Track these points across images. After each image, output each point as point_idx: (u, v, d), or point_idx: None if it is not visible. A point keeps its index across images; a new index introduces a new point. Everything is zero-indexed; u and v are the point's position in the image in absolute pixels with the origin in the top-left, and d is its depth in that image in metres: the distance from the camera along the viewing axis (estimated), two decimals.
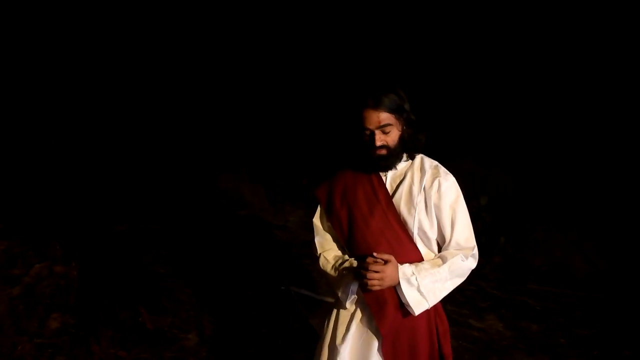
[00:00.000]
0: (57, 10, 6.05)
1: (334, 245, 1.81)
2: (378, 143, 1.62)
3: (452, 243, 1.67)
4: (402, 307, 1.62)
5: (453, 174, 1.75)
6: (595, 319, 4.03)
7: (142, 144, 5.92)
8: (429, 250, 1.70)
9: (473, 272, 5.04)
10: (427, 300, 1.59)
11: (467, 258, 1.66)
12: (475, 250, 1.69)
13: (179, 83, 6.62)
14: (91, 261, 3.54)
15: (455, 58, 6.59)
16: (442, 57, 6.72)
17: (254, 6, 6.95)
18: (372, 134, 1.63)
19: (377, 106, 1.61)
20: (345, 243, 1.74)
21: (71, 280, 3.16)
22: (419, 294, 1.59)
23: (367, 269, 1.55)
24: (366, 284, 1.55)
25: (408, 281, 1.58)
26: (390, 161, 1.68)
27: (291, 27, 6.86)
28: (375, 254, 1.57)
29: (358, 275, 1.61)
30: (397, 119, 1.64)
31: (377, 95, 1.62)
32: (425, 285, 1.58)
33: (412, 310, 1.59)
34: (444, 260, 1.64)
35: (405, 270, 1.58)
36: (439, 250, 1.73)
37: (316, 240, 1.83)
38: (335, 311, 1.78)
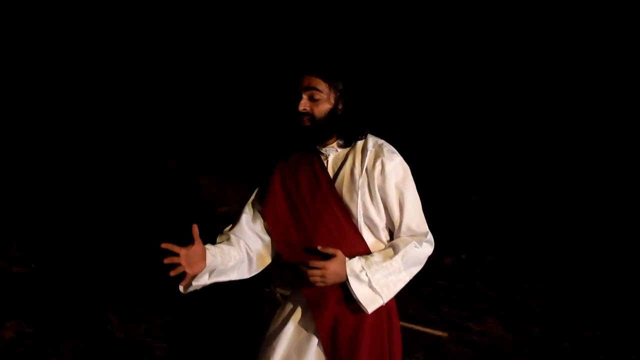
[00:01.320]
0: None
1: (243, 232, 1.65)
2: (301, 107, 1.51)
3: (403, 228, 1.54)
4: (346, 302, 1.51)
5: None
6: (597, 321, 4.01)
7: (120, 137, 5.65)
8: (377, 240, 1.57)
9: (467, 271, 4.82)
10: (381, 296, 1.47)
11: (421, 244, 1.53)
12: (430, 236, 1.56)
13: (160, 79, 6.39)
14: (53, 262, 3.25)
15: (450, 57, 6.51)
16: (437, 56, 6.63)
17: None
18: (298, 98, 1.53)
19: (311, 70, 1.52)
20: (276, 238, 1.60)
21: (30, 284, 2.87)
22: (370, 290, 1.46)
23: (307, 266, 1.45)
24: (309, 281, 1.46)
25: (357, 277, 1.46)
26: (313, 136, 1.54)
27: (274, 24, 6.67)
28: (319, 247, 1.46)
29: (296, 271, 1.52)
30: (332, 91, 1.52)
31: (316, 60, 1.54)
32: (378, 280, 1.46)
33: (365, 309, 1.46)
34: (395, 250, 1.50)
35: (354, 266, 1.46)
36: (391, 237, 1.60)
37: (235, 220, 1.67)
38: (282, 305, 1.71)
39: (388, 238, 1.59)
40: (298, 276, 1.53)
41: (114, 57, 6.31)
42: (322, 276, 1.44)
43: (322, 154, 1.61)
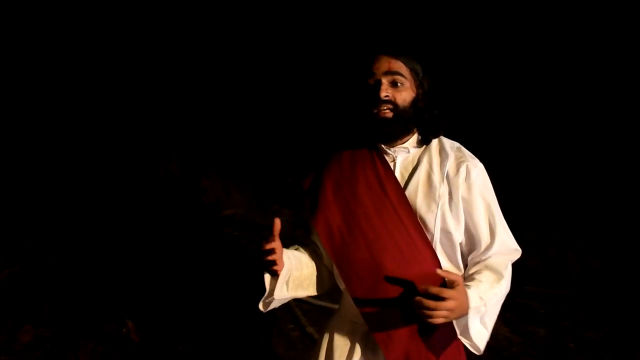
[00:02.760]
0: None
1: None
2: (383, 94, 1.26)
3: (496, 246, 1.27)
4: (418, 334, 1.26)
5: None
6: (601, 322, 4.02)
7: (125, 140, 5.65)
8: (448, 261, 1.31)
9: None
10: (487, 330, 1.23)
11: (512, 262, 1.32)
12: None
13: (164, 82, 6.38)
14: (68, 265, 3.24)
15: (450, 56, 6.49)
16: (432, 54, 6.60)
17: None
18: (378, 83, 1.27)
19: (392, 51, 1.30)
20: (334, 255, 1.30)
21: (46, 287, 2.86)
22: (481, 325, 1.21)
23: (432, 295, 1.08)
24: (428, 317, 1.09)
25: (478, 311, 1.17)
26: (395, 128, 1.29)
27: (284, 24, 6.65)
28: (439, 270, 1.13)
29: (408, 306, 1.18)
30: (413, 77, 1.31)
31: (395, 41, 1.33)
32: (489, 313, 1.22)
33: (478, 348, 1.21)
34: (497, 273, 1.25)
35: (473, 297, 1.16)
36: (463, 258, 1.33)
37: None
38: (326, 344, 1.40)
39: (460, 258, 1.32)
40: (375, 311, 1.23)
41: (119, 61, 6.30)
42: (450, 310, 1.09)
43: (388, 154, 1.35)
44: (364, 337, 1.31)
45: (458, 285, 1.11)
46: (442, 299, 1.08)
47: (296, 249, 1.39)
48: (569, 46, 6.16)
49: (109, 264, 3.32)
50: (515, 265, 4.25)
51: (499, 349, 3.37)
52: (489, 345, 3.55)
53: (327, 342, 1.40)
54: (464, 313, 1.15)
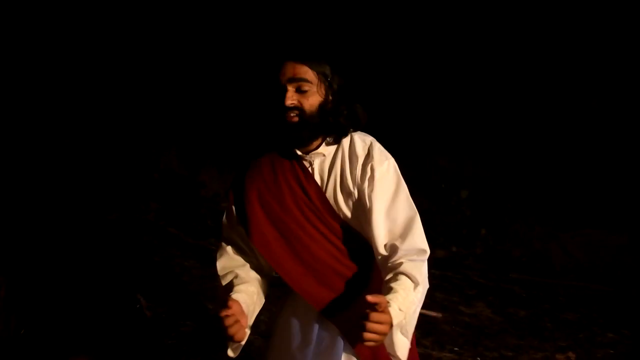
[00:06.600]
0: None
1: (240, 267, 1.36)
2: (288, 101, 1.23)
3: (405, 246, 1.21)
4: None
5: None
6: (579, 305, 4.18)
7: (124, 137, 5.80)
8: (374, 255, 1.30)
9: (458, 262, 5.01)
10: (408, 339, 1.20)
11: (424, 263, 1.25)
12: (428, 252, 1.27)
13: (162, 78, 6.49)
14: (84, 250, 3.45)
15: (430, 51, 6.57)
16: (417, 50, 6.68)
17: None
18: (283, 90, 1.25)
19: (296, 56, 1.26)
20: (277, 268, 1.31)
21: (63, 266, 3.06)
22: (404, 336, 1.18)
23: (369, 319, 1.03)
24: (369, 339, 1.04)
25: (400, 325, 1.14)
26: (303, 133, 1.27)
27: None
28: (369, 297, 1.03)
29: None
30: (321, 81, 1.27)
31: (299, 45, 1.31)
32: (409, 322, 1.18)
33: (400, 358, 1.19)
34: (413, 279, 1.18)
35: (394, 312, 1.10)
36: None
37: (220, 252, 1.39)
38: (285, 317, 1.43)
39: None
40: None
41: (119, 57, 6.39)
42: (383, 333, 1.05)
43: (305, 159, 1.33)
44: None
45: (385, 307, 1.06)
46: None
47: (235, 277, 1.33)
48: (560, 45, 6.24)
49: (123, 248, 3.54)
50: (501, 255, 4.46)
51: (481, 327, 3.56)
52: (472, 324, 3.80)
53: (286, 315, 1.42)
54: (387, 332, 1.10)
